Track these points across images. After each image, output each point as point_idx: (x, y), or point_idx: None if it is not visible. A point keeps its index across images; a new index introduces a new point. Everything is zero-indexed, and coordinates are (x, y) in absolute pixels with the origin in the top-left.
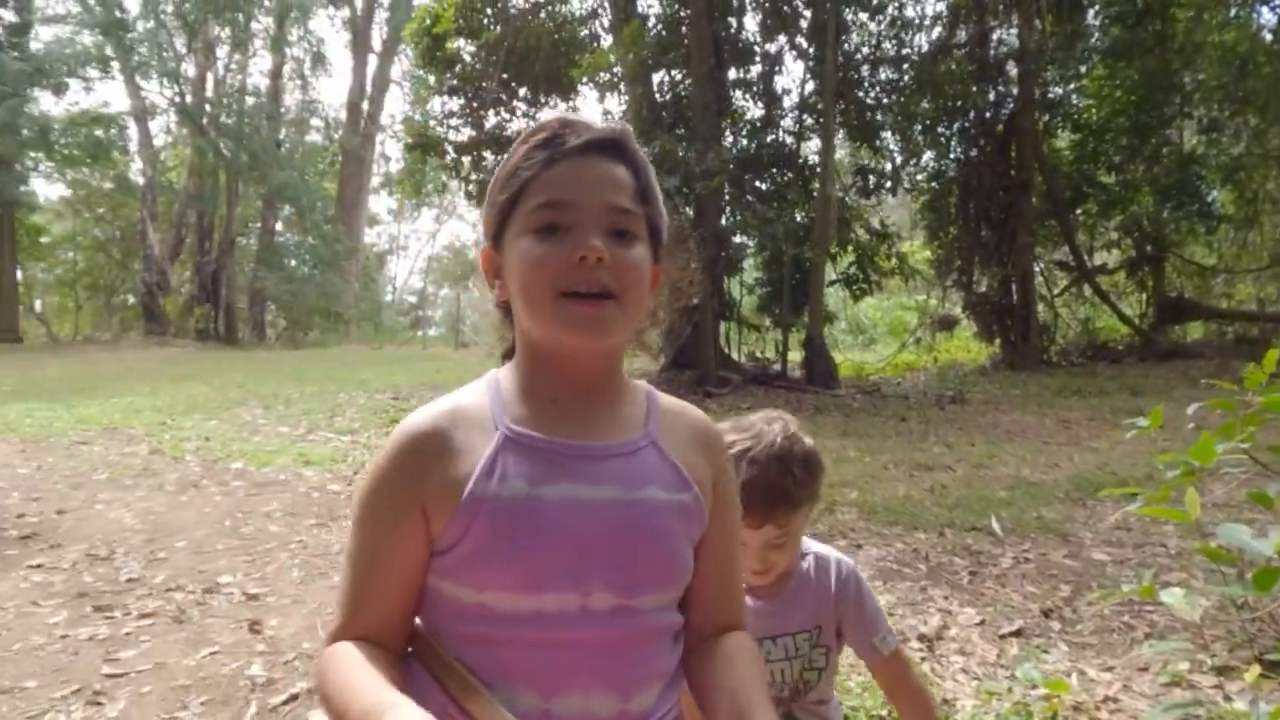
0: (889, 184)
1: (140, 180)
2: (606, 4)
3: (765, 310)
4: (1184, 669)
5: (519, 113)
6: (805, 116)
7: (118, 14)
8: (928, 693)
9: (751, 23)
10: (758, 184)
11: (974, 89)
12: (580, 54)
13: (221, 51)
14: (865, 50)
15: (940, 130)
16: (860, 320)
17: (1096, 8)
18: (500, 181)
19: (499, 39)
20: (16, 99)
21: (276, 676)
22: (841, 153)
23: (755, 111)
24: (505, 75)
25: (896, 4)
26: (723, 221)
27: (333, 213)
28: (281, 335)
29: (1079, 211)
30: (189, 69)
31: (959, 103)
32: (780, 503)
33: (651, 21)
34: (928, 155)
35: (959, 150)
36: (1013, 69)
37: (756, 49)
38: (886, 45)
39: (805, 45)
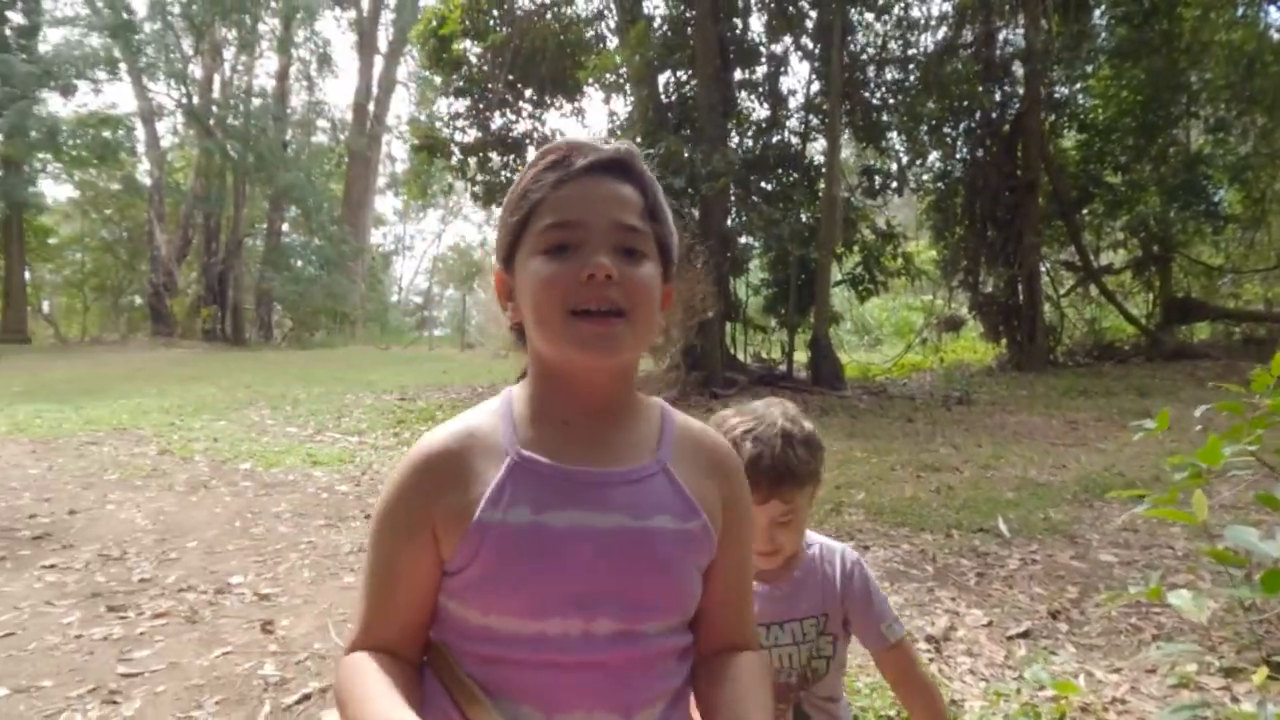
0: (895, 184)
1: (147, 181)
2: (612, 5)
3: (771, 311)
4: (1192, 671)
5: (525, 114)
6: (811, 117)
7: (125, 16)
8: (935, 685)
9: (757, 23)
10: (763, 185)
11: (980, 89)
12: (586, 55)
13: (228, 53)
14: (871, 51)
15: (946, 130)
16: (866, 321)
17: (1103, 7)
18: (510, 204)
19: (505, 40)
20: (25, 101)
21: (289, 676)
22: (847, 153)
23: (761, 112)
24: (511, 76)
25: (902, 4)
26: (728, 222)
27: (339, 213)
28: (288, 336)
29: (1085, 211)
30: (196, 70)
31: (965, 103)
32: (785, 477)
33: (657, 23)
34: (933, 155)
35: (965, 150)
36: (1019, 69)
37: (762, 50)
38: (892, 45)
39: (811, 46)
